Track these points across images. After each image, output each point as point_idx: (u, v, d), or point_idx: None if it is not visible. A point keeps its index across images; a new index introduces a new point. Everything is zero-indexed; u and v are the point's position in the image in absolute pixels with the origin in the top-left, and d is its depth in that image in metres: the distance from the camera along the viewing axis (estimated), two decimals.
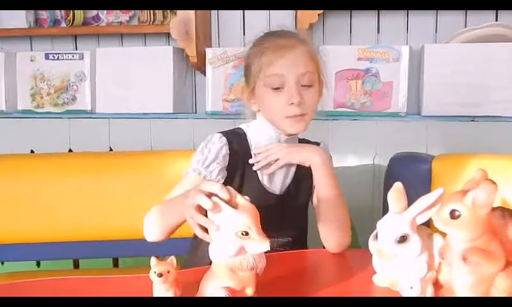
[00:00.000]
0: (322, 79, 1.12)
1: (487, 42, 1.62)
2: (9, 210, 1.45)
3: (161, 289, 0.77)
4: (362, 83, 1.70)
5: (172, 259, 0.78)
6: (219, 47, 1.90)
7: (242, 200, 0.74)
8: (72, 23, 1.93)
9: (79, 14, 1.92)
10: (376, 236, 0.80)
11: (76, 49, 2.02)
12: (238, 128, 1.16)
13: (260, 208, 0.75)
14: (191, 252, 1.16)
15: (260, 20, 1.86)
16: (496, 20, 1.74)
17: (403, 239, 0.77)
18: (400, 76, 1.68)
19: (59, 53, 1.88)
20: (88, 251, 1.50)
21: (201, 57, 1.81)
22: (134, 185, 1.48)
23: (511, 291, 0.71)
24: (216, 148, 1.07)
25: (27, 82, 1.90)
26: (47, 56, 1.89)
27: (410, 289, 0.77)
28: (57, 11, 1.99)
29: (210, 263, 0.76)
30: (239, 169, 1.09)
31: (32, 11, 1.94)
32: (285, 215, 1.11)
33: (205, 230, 0.75)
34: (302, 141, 1.18)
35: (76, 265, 1.74)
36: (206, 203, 0.73)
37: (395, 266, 0.80)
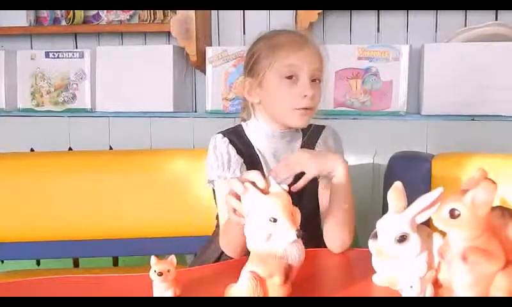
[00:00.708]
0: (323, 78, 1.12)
1: (487, 42, 1.62)
2: (9, 208, 1.45)
3: (161, 288, 0.77)
4: (362, 82, 1.70)
5: (172, 258, 0.78)
6: (219, 45, 1.90)
7: (276, 188, 0.76)
8: (72, 21, 1.93)
9: (79, 12, 1.92)
10: (376, 235, 0.80)
11: (76, 48, 2.02)
12: (237, 125, 1.17)
13: None
14: (201, 252, 1.15)
15: (260, 19, 1.86)
16: (496, 19, 1.74)
17: (403, 238, 0.77)
18: (400, 75, 1.68)
19: (59, 51, 1.88)
20: (87, 249, 1.49)
21: (202, 56, 1.81)
22: (134, 183, 1.48)
23: (511, 291, 0.71)
24: (225, 147, 1.09)
25: (27, 81, 1.90)
26: (47, 55, 1.89)
27: (410, 288, 0.77)
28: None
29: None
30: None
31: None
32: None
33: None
34: (309, 126, 1.15)
35: (76, 264, 1.74)
36: (238, 188, 0.77)
37: (394, 265, 0.80)
